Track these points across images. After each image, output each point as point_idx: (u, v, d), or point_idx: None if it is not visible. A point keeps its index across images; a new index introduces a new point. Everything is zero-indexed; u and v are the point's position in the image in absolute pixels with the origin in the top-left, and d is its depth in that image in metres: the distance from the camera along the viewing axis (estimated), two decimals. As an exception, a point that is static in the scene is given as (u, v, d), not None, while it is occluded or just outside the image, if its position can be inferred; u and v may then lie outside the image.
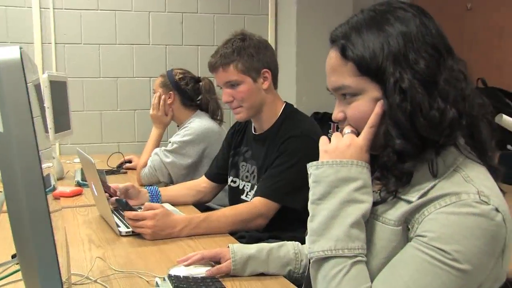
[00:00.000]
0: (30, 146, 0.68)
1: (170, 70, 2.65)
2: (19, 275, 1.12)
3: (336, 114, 0.99)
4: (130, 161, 2.95)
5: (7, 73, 0.66)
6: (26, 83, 0.67)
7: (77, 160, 3.04)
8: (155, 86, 2.65)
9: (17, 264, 1.07)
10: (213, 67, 1.83)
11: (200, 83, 2.62)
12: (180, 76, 2.60)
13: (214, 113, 2.61)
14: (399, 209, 0.90)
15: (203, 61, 3.60)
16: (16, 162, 0.67)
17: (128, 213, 1.59)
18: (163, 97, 2.58)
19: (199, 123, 2.49)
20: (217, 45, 1.89)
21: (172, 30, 3.64)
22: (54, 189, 1.17)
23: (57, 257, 0.69)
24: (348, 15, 0.99)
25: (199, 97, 2.61)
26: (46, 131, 1.27)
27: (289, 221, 1.72)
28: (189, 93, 2.59)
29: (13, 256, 1.10)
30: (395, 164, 0.90)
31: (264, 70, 1.80)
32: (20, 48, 0.69)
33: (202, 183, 2.10)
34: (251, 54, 1.78)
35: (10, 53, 0.66)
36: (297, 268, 1.31)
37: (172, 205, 1.94)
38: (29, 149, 0.68)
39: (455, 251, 0.81)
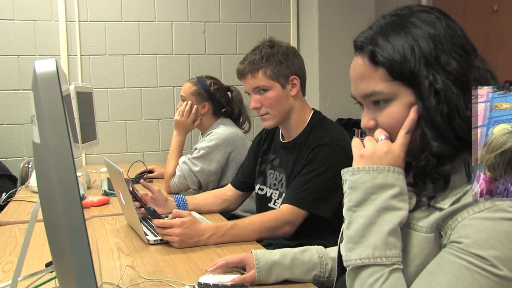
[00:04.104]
0: (66, 156, 0.69)
1: (202, 79, 2.62)
2: (53, 284, 1.14)
3: (367, 122, 0.96)
4: (151, 171, 2.92)
5: (44, 85, 0.67)
6: (61, 95, 0.69)
7: (103, 169, 3.08)
8: (185, 93, 2.60)
9: (51, 272, 1.09)
10: (241, 74, 1.84)
11: (230, 93, 2.65)
12: (215, 86, 2.60)
13: (238, 120, 2.64)
14: (431, 216, 0.89)
15: (226, 69, 3.61)
16: (53, 172, 0.69)
17: (156, 221, 1.61)
18: (195, 106, 2.57)
19: (224, 128, 2.51)
20: (240, 53, 1.91)
21: (194, 39, 3.67)
22: (83, 198, 1.19)
23: (92, 265, 0.70)
24: (370, 20, 0.98)
25: (229, 106, 2.63)
26: (76, 141, 1.29)
27: (316, 229, 1.71)
28: (223, 103, 2.61)
29: (47, 265, 1.11)
30: (435, 167, 0.89)
31: (293, 76, 1.81)
32: (55, 60, 0.70)
33: (227, 191, 2.11)
34: (279, 60, 1.79)
35: (47, 65, 0.68)
36: (323, 272, 1.30)
37: (199, 213, 1.95)
38: (65, 159, 0.69)
39: (492, 256, 0.80)
